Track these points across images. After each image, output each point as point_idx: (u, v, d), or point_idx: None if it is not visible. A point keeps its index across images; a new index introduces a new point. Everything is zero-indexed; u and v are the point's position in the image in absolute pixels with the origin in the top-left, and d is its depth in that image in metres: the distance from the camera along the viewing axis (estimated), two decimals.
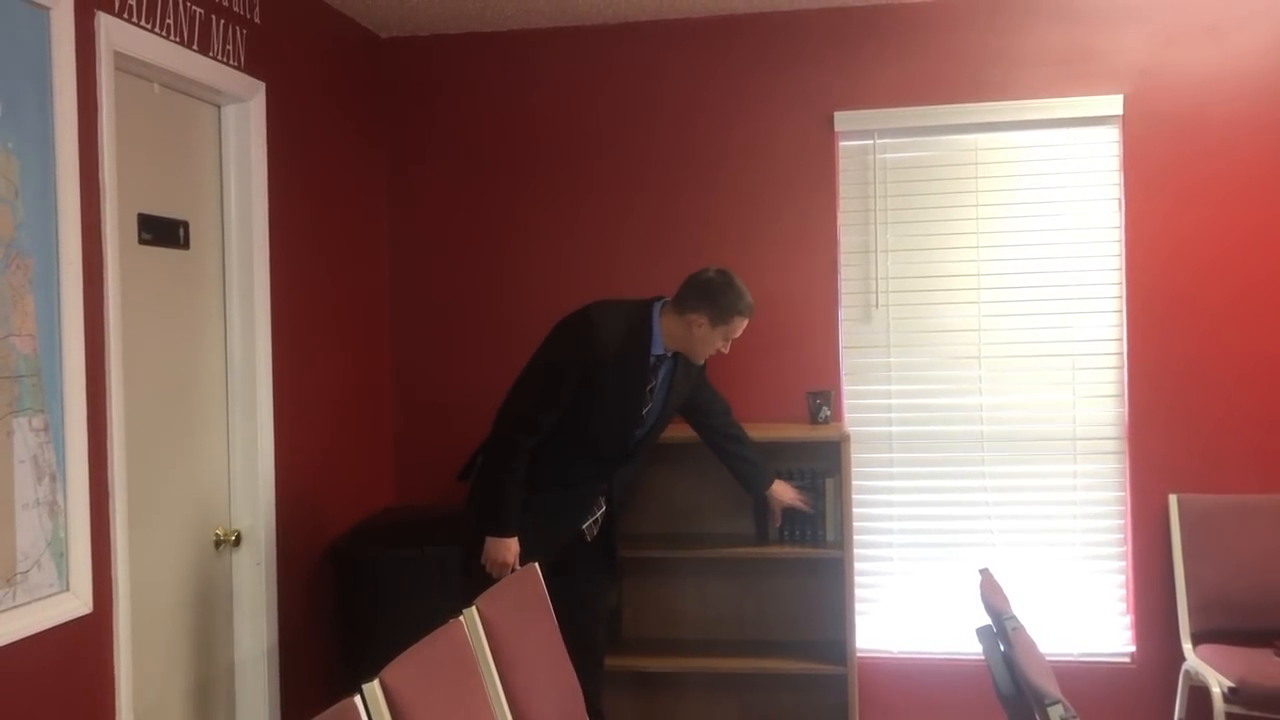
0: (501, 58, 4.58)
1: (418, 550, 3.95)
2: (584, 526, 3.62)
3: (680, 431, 4.33)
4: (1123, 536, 4.29)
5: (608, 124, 4.53)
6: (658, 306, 3.47)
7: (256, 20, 3.65)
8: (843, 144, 4.43)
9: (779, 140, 4.44)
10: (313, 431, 3.98)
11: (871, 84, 4.37)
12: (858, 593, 4.16)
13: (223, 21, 3.45)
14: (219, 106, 3.60)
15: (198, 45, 3.32)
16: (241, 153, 3.62)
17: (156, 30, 3.12)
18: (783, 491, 3.95)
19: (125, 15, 2.98)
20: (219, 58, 3.43)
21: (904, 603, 4.43)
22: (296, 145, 3.88)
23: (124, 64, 3.01)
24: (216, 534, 3.52)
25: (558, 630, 3.12)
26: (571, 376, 3.35)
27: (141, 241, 3.19)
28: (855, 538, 4.16)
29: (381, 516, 4.37)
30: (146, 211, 3.21)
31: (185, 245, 3.41)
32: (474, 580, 3.31)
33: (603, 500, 3.61)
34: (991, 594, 2.88)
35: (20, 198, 2.58)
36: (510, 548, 3.36)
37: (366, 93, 4.52)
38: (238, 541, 3.58)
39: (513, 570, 3.31)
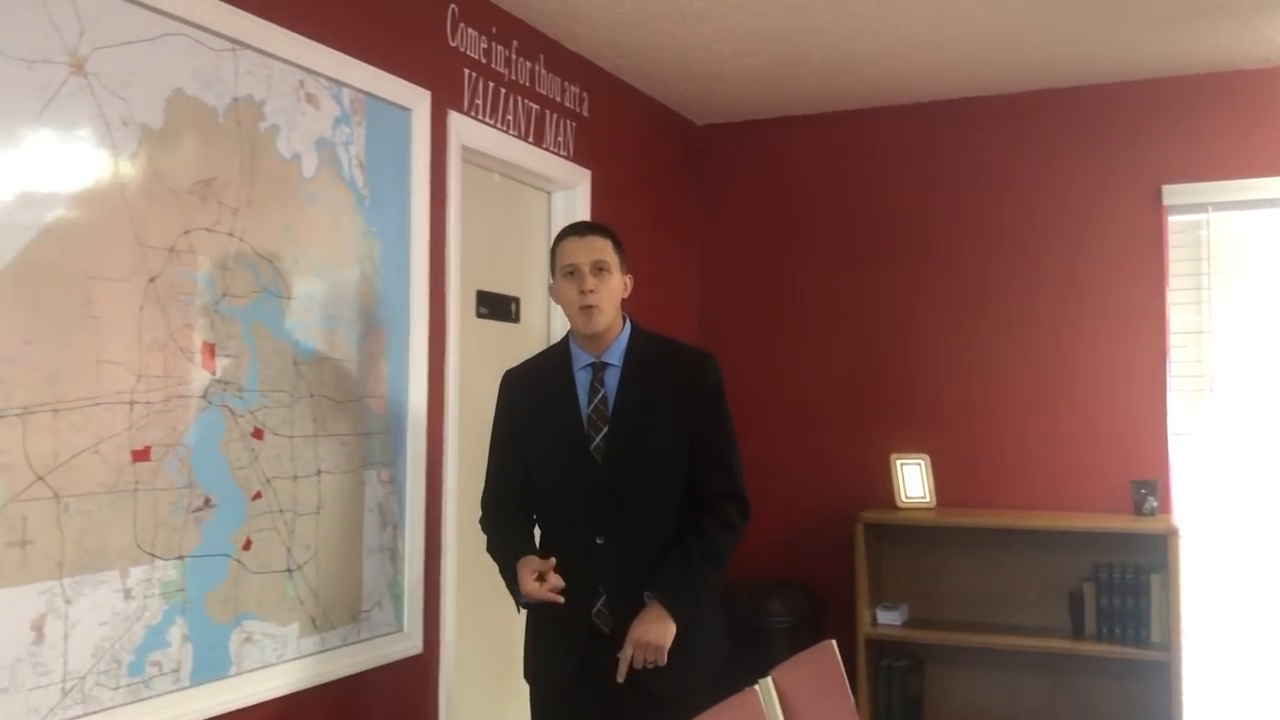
0: (811, 140, 4.69)
1: None
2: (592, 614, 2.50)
3: (985, 516, 4.19)
4: None
5: (916, 201, 4.51)
6: (570, 331, 2.62)
7: (585, 114, 3.94)
8: (1171, 219, 4.18)
9: (1100, 215, 4.25)
10: None
11: (1204, 155, 4.12)
12: (1186, 701, 3.81)
13: (556, 116, 3.76)
14: (549, 193, 3.91)
15: (533, 138, 3.63)
16: None
17: (499, 126, 3.45)
18: (637, 631, 2.42)
19: (473, 113, 3.32)
20: (551, 149, 3.74)
21: (1240, 715, 4.01)
22: (616, 227, 4.12)
23: (470, 156, 3.34)
24: None
25: (854, 710, 3.07)
26: (504, 420, 2.62)
27: (479, 315, 3.49)
28: (1185, 640, 3.84)
29: None
30: (484, 288, 3.53)
31: (516, 319, 3.71)
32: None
33: (601, 604, 2.48)
34: None
35: (380, 276, 2.92)
36: (521, 578, 2.42)
37: (681, 176, 4.75)
38: None
39: (545, 584, 2.39)
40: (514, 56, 3.53)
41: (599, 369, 2.54)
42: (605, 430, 2.48)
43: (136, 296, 2.23)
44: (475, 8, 3.33)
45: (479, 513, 2.67)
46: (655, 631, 2.42)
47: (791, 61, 4.00)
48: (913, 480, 4.28)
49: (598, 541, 2.47)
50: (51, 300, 2.06)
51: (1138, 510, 4.03)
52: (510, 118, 3.52)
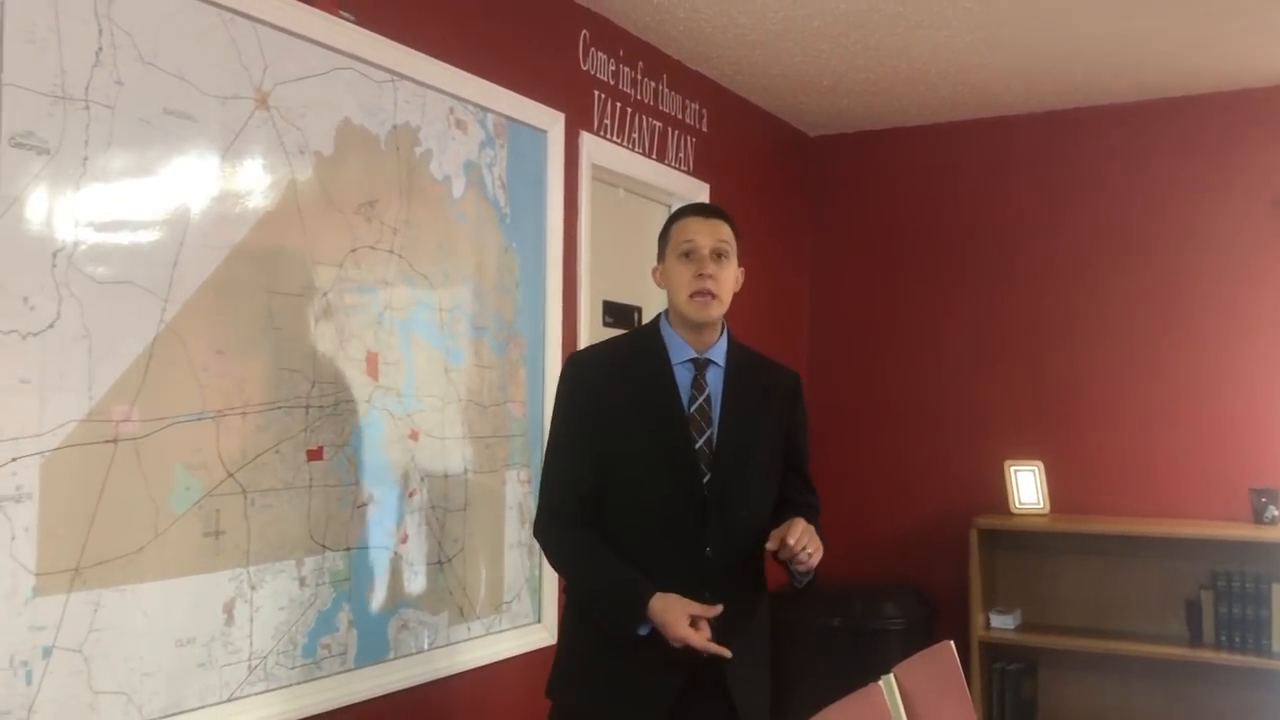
0: (923, 150, 4.76)
1: (830, 619, 4.13)
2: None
3: (1101, 523, 4.22)
4: None
5: (1031, 212, 4.55)
6: (662, 315, 2.37)
7: (704, 129, 4.09)
8: None
9: (1219, 222, 4.25)
10: None
11: None
12: None
13: (677, 133, 3.92)
14: (669, 206, 4.05)
15: (656, 154, 3.79)
16: None
17: (624, 144, 3.62)
18: (793, 530, 2.15)
19: (602, 133, 3.49)
20: (672, 164, 3.89)
21: None
22: None
23: (598, 173, 3.52)
24: None
25: (973, 710, 3.15)
26: (576, 412, 2.26)
27: (604, 324, 3.66)
28: None
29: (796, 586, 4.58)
30: (609, 298, 3.70)
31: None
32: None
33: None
34: None
35: (519, 288, 3.10)
36: (675, 619, 2.09)
37: (793, 187, 4.86)
38: None
39: (702, 626, 2.10)
40: (639, 77, 3.69)
41: (702, 366, 2.28)
42: (709, 433, 2.24)
43: (311, 310, 2.44)
44: (605, 32, 3.50)
45: (539, 521, 2.28)
46: (806, 527, 2.15)
47: (907, 75, 4.09)
48: (1027, 486, 4.33)
49: (707, 553, 2.19)
50: (240, 314, 2.28)
51: (1257, 518, 4.02)
52: (635, 135, 3.68)
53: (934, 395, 4.66)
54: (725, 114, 4.23)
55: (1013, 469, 4.35)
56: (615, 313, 3.73)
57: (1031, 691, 4.32)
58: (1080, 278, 4.45)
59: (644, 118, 3.73)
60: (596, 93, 3.47)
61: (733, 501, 2.24)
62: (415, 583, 2.72)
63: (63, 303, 1.96)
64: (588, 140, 3.40)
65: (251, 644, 2.29)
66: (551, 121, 3.22)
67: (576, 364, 2.33)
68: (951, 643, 3.25)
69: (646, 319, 3.90)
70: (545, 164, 3.21)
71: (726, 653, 2.09)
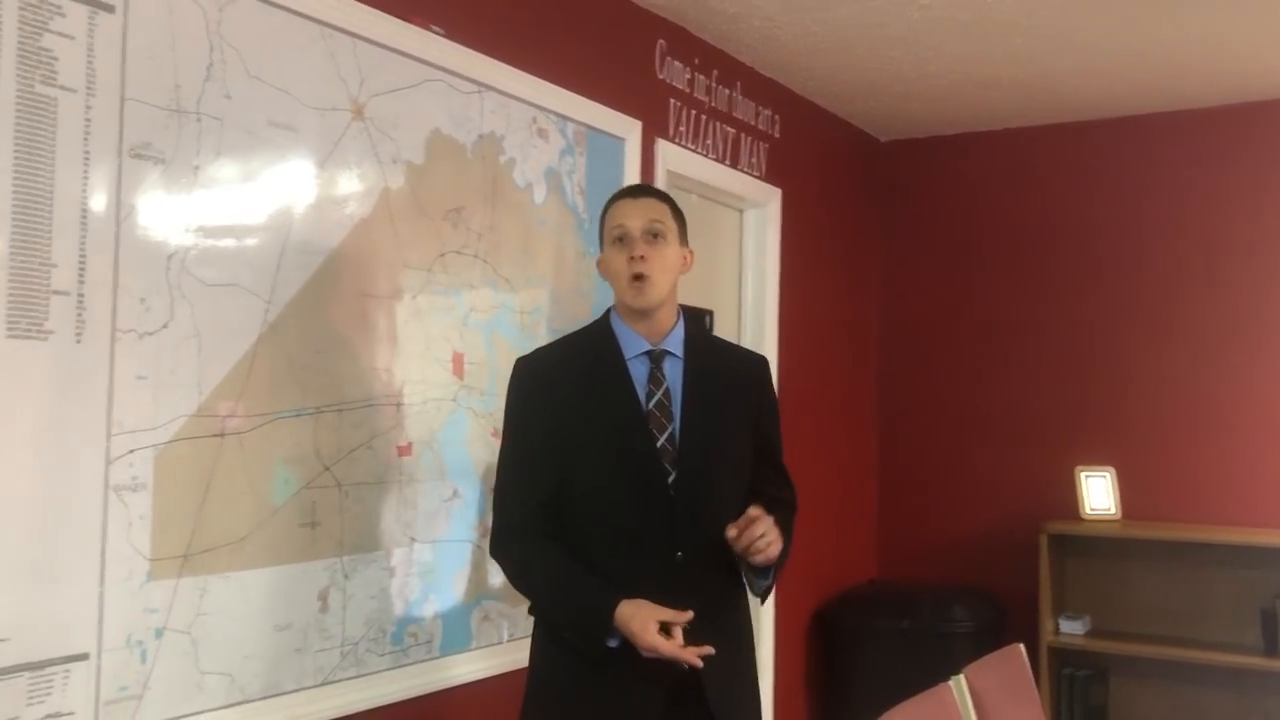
0: (996, 155, 4.77)
1: (899, 622, 4.16)
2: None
3: (1174, 530, 4.20)
4: None
5: (1104, 217, 4.54)
6: (612, 309, 2.23)
7: (776, 135, 4.15)
8: None
9: None
10: (808, 504, 4.31)
11: None
12: None
13: (750, 139, 3.98)
14: (741, 211, 4.12)
15: (730, 160, 3.86)
16: (758, 251, 4.11)
17: (699, 150, 3.69)
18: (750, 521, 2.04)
19: (677, 140, 3.56)
20: (745, 169, 3.95)
21: None
22: (803, 242, 4.32)
23: (673, 179, 3.59)
24: None
25: (1042, 713, 3.17)
26: (531, 421, 2.13)
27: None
28: None
29: (867, 588, 4.62)
30: (682, 302, 3.75)
31: (709, 331, 3.93)
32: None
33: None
34: None
35: (595, 292, 3.19)
36: (641, 626, 1.96)
37: (864, 192, 4.89)
38: None
39: (675, 633, 1.99)
40: (714, 85, 3.76)
41: (658, 358, 2.14)
42: (671, 429, 2.10)
43: (402, 312, 2.54)
44: (681, 42, 3.58)
45: (495, 536, 2.14)
46: (775, 531, 2.04)
47: (980, 81, 4.11)
48: (1098, 492, 4.32)
49: (677, 557, 2.07)
50: (336, 315, 2.39)
51: None
52: (709, 142, 3.75)
53: (1004, 401, 4.66)
54: (797, 120, 4.28)
55: (1084, 475, 4.34)
56: (687, 316, 3.79)
57: (1102, 698, 4.30)
58: (1154, 283, 4.43)
59: (718, 124, 3.79)
60: (672, 100, 3.55)
61: (702, 500, 2.10)
62: (496, 576, 2.81)
63: (175, 304, 2.08)
64: (663, 147, 3.48)
65: (344, 630, 2.40)
66: (629, 129, 3.31)
67: (524, 367, 2.17)
68: (1022, 646, 3.27)
69: (719, 323, 3.99)
70: (622, 171, 3.29)
71: (699, 661, 1.95)
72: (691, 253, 2.23)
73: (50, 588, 1.89)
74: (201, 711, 2.12)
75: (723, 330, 4.00)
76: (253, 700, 2.22)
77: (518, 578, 2.14)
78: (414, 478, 2.57)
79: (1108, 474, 4.32)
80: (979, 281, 4.78)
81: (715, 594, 2.10)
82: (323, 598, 2.36)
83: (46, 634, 1.88)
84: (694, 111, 3.66)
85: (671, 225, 2.16)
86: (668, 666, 1.98)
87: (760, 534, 2.02)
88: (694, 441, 2.10)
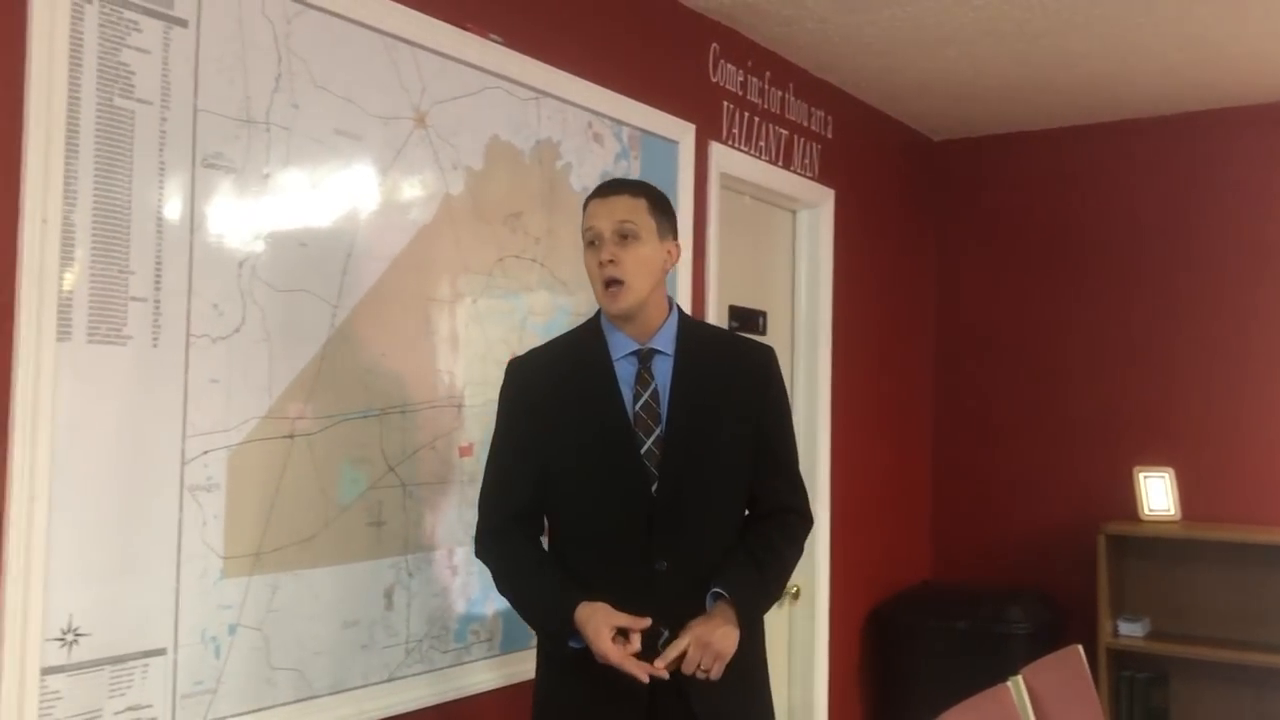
0: (1050, 154, 4.73)
1: (954, 623, 4.15)
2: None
3: (1236, 531, 4.15)
4: None
5: (1161, 215, 4.49)
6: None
7: (829, 135, 4.15)
8: None
9: None
10: (862, 505, 4.33)
11: None
12: None
13: (803, 140, 3.99)
14: (794, 212, 4.13)
15: (782, 162, 3.87)
16: (811, 252, 4.12)
17: (751, 152, 3.71)
18: (700, 629, 1.97)
19: (730, 142, 3.59)
20: (798, 171, 3.97)
21: None
22: (856, 243, 4.32)
23: (727, 181, 3.61)
24: None
25: (1101, 714, 3.15)
26: (516, 421, 2.13)
27: (730, 328, 3.75)
28: None
29: (921, 589, 4.61)
30: (736, 303, 3.79)
31: (763, 332, 3.95)
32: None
33: (664, 643, 1.99)
34: None
35: None
36: (595, 630, 1.93)
37: (917, 192, 4.88)
38: (797, 596, 4.00)
39: (632, 640, 1.95)
40: (766, 87, 3.78)
41: (646, 357, 2.08)
42: (658, 432, 2.04)
43: (462, 315, 2.59)
44: (734, 45, 3.60)
45: (477, 539, 2.18)
46: (720, 635, 1.95)
47: (1034, 80, 4.09)
48: (1157, 493, 4.28)
49: (658, 568, 2.01)
50: (400, 319, 2.44)
51: None
52: (762, 144, 3.76)
53: (1061, 400, 4.62)
54: (850, 120, 4.29)
55: (1142, 475, 4.30)
56: (741, 317, 3.82)
57: (1163, 701, 4.26)
58: (1212, 281, 4.37)
59: (771, 126, 3.81)
60: (725, 103, 3.57)
61: (687, 507, 2.02)
62: None
63: (246, 309, 2.14)
64: (716, 149, 3.50)
65: (409, 628, 2.45)
66: (682, 132, 3.33)
67: (514, 368, 2.17)
68: (1080, 647, 3.26)
69: (772, 323, 4.00)
70: (676, 173, 3.32)
71: (645, 677, 1.89)
72: (677, 246, 2.14)
73: (129, 584, 1.95)
74: (272, 706, 2.18)
75: (776, 331, 4.01)
76: (321, 696, 2.27)
77: (496, 579, 2.13)
78: (475, 478, 2.59)
79: (1167, 474, 4.27)
80: (1034, 280, 4.75)
81: (695, 609, 1.99)
82: (388, 595, 2.41)
83: (126, 629, 1.95)
84: (747, 113, 3.68)
85: (647, 222, 2.06)
86: (654, 682, 1.91)
87: (692, 667, 1.94)
88: (682, 444, 2.03)
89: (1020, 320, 4.77)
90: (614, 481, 2.03)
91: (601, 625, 1.92)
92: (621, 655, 1.90)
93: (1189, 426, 4.37)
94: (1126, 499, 4.34)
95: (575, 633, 1.95)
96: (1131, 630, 4.20)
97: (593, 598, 1.95)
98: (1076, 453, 4.57)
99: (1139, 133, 4.54)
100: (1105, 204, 4.61)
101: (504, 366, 2.68)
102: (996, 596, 4.30)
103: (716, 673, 1.96)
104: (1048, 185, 4.74)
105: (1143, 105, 4.38)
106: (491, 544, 2.12)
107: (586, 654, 1.95)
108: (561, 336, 2.26)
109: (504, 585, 2.12)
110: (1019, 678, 2.85)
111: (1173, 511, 4.25)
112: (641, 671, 1.90)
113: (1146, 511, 4.27)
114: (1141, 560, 4.35)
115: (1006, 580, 4.53)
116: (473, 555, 2.57)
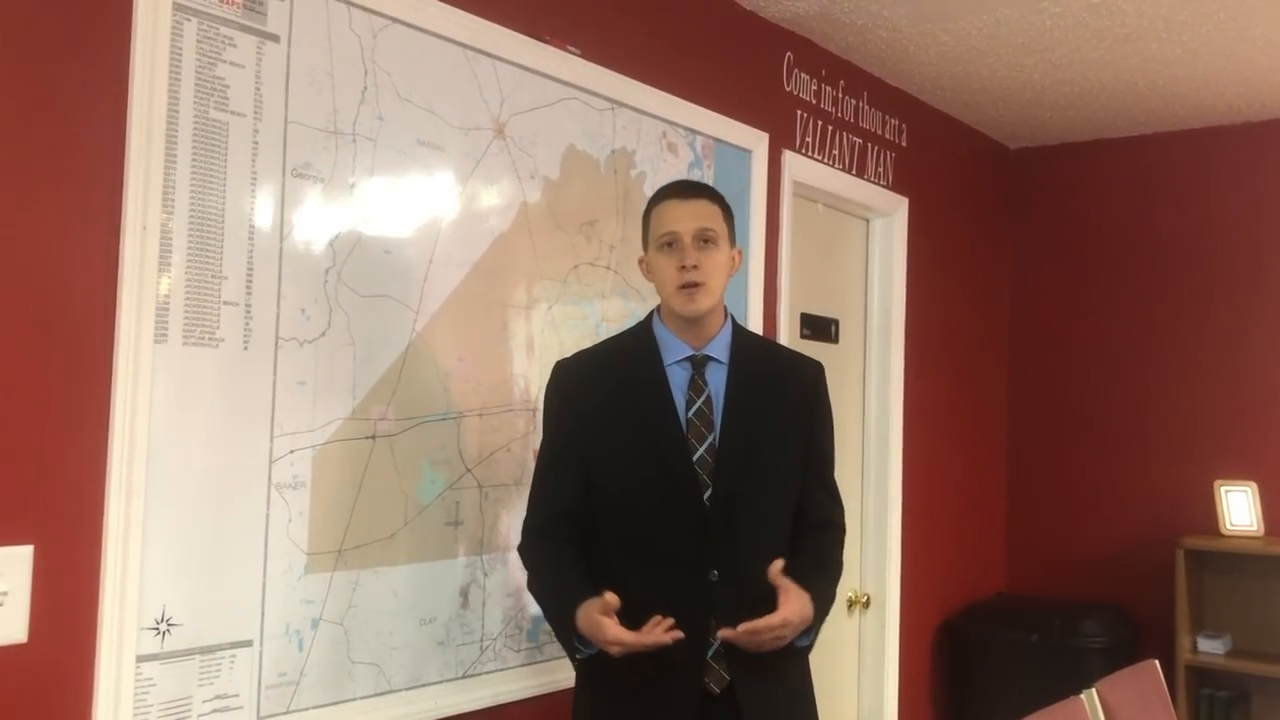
0: (1128, 162, 4.66)
1: (1027, 636, 4.10)
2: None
3: None
4: None
5: (1243, 224, 4.40)
6: (655, 311, 2.17)
7: (903, 144, 4.15)
8: None
9: None
10: (934, 514, 4.31)
11: None
12: None
13: (876, 148, 3.99)
14: (868, 220, 4.13)
15: (855, 170, 3.88)
16: (885, 260, 4.11)
17: (825, 161, 3.72)
18: (791, 609, 1.94)
19: (803, 151, 3.60)
20: (871, 179, 3.97)
21: None
22: (930, 251, 4.30)
23: (799, 190, 3.62)
24: (850, 595, 3.96)
25: None
26: (563, 424, 2.11)
27: (802, 336, 3.76)
28: None
29: (994, 600, 4.56)
30: (808, 311, 3.80)
31: (835, 340, 3.96)
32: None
33: (713, 654, 1.99)
34: None
35: None
36: (599, 625, 1.90)
37: (993, 200, 4.84)
38: (868, 605, 3.99)
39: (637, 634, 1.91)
40: (840, 95, 3.79)
41: (700, 364, 2.06)
42: (711, 439, 2.02)
43: (538, 321, 2.65)
44: (808, 54, 3.62)
45: (520, 540, 2.19)
46: (801, 621, 1.94)
47: (1112, 88, 4.04)
48: (1238, 508, 4.19)
49: (710, 577, 1.98)
50: (478, 324, 2.50)
51: None
52: (835, 152, 3.77)
53: (1138, 413, 4.55)
54: (925, 128, 4.27)
55: (1223, 489, 4.21)
56: (813, 324, 3.83)
57: (1244, 719, 4.17)
58: None
59: (844, 134, 3.82)
60: (799, 112, 3.59)
61: (740, 516, 2.00)
62: None
63: (332, 314, 2.21)
64: (790, 158, 3.52)
65: (483, 626, 2.51)
66: (756, 141, 3.36)
67: (562, 370, 2.14)
68: (1156, 662, 3.21)
69: (843, 331, 4.00)
70: (749, 182, 3.34)
71: (667, 639, 1.86)
72: (739, 252, 2.15)
73: (219, 578, 2.03)
74: (352, 699, 2.25)
75: (848, 339, 4.01)
76: (398, 690, 2.33)
77: (529, 579, 2.14)
78: None
79: (1249, 488, 4.18)
80: (1111, 290, 4.68)
81: (756, 619, 1.92)
82: (464, 594, 2.47)
83: (216, 621, 2.03)
84: (820, 122, 3.70)
85: (723, 228, 2.08)
86: (693, 682, 1.92)
87: (767, 638, 1.92)
88: (735, 453, 2.01)
89: (1098, 330, 4.70)
90: (666, 489, 2.01)
91: (592, 618, 1.90)
92: (635, 636, 1.87)
93: (1273, 439, 4.27)
94: (1206, 513, 4.26)
95: (581, 638, 1.96)
96: (1212, 647, 4.11)
97: (639, 607, 1.90)
98: (1154, 465, 4.49)
99: (1221, 140, 4.46)
100: (1186, 213, 4.54)
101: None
102: (1071, 610, 4.24)
103: (771, 646, 1.93)
104: (1126, 193, 4.67)
105: (1225, 112, 4.31)
106: (530, 544, 2.13)
107: (621, 669, 1.93)
108: (612, 339, 2.25)
109: (532, 587, 2.15)
110: (1093, 690, 2.82)
111: (1255, 527, 4.16)
112: (665, 636, 1.87)
113: (1228, 526, 4.19)
114: (1222, 576, 4.26)
115: (1081, 594, 4.46)
116: None
